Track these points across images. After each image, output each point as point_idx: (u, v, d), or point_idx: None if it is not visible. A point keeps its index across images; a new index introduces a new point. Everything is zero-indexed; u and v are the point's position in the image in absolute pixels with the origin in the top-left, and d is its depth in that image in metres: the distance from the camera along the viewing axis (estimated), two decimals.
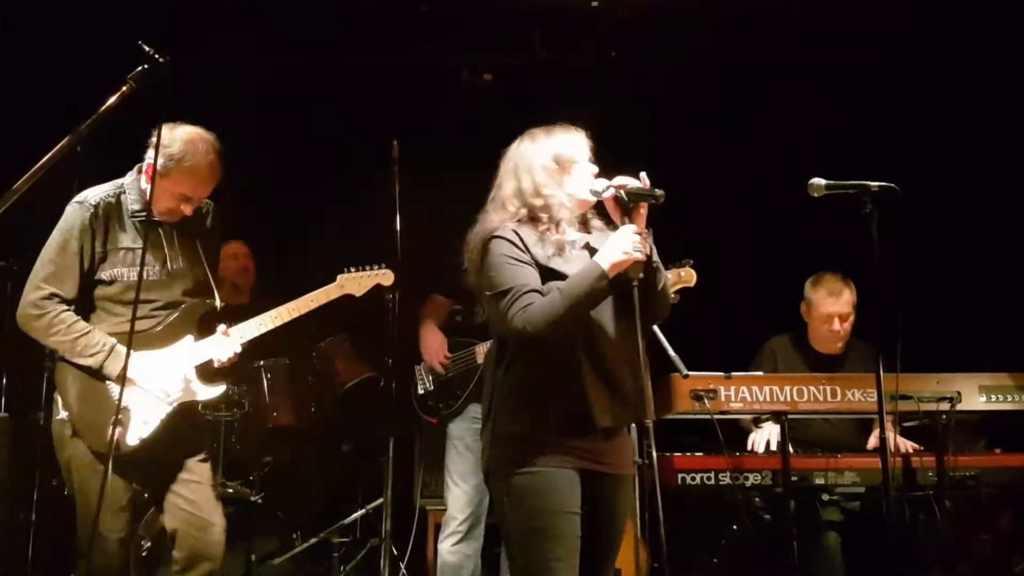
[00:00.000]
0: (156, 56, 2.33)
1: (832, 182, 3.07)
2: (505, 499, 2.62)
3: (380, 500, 4.34)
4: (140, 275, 2.86)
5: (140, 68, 2.32)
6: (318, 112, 5.33)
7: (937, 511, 3.72)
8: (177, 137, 3.09)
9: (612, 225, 2.71)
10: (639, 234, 2.57)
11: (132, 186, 3.18)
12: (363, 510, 4.62)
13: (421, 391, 4.03)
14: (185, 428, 3.21)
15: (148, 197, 3.08)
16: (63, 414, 3.12)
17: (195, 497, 3.17)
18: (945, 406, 3.75)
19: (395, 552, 4.31)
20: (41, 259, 3.12)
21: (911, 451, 3.95)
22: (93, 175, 3.31)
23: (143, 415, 3.11)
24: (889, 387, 3.08)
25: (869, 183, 3.03)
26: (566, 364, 2.59)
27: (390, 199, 4.60)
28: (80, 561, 3.11)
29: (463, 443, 3.88)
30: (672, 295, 3.45)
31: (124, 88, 2.29)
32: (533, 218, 2.67)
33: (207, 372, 3.22)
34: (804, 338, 4.33)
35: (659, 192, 2.60)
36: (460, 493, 3.85)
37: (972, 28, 4.82)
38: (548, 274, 2.61)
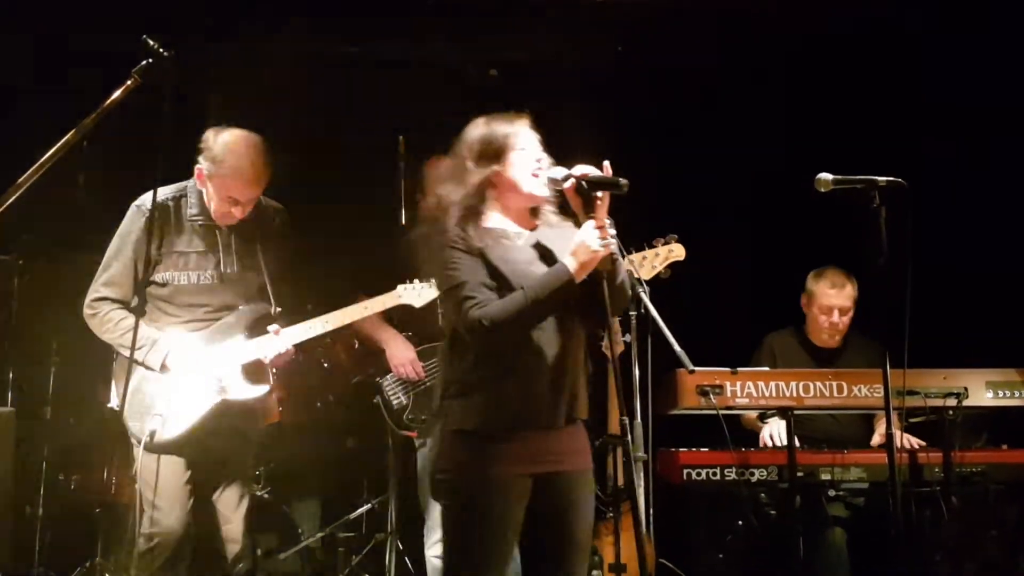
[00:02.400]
0: (161, 50, 2.32)
1: (839, 177, 3.07)
2: (451, 500, 2.55)
3: (385, 495, 4.34)
4: (149, 261, 2.89)
5: (145, 62, 2.32)
6: (323, 107, 5.33)
7: (943, 507, 3.71)
8: (220, 141, 3.15)
9: (571, 218, 2.62)
10: (600, 227, 2.47)
11: (193, 189, 3.24)
12: (368, 505, 4.62)
13: (396, 406, 3.85)
14: (236, 427, 3.26)
15: (205, 203, 3.19)
16: (113, 403, 3.24)
17: (230, 495, 3.25)
18: (952, 402, 3.74)
19: (400, 547, 4.31)
20: (103, 261, 3.22)
21: (915, 448, 3.94)
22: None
23: (184, 410, 3.16)
24: (896, 382, 3.07)
25: (877, 178, 3.02)
26: (516, 362, 2.51)
27: (395, 193, 4.61)
28: (130, 547, 3.17)
29: None
30: (664, 271, 3.46)
31: (129, 82, 2.29)
32: (475, 212, 2.58)
33: (253, 372, 3.24)
34: (803, 332, 4.33)
35: (623, 181, 2.49)
36: None
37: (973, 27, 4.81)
38: (493, 271, 2.52)
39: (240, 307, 3.25)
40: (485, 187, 2.57)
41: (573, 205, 2.59)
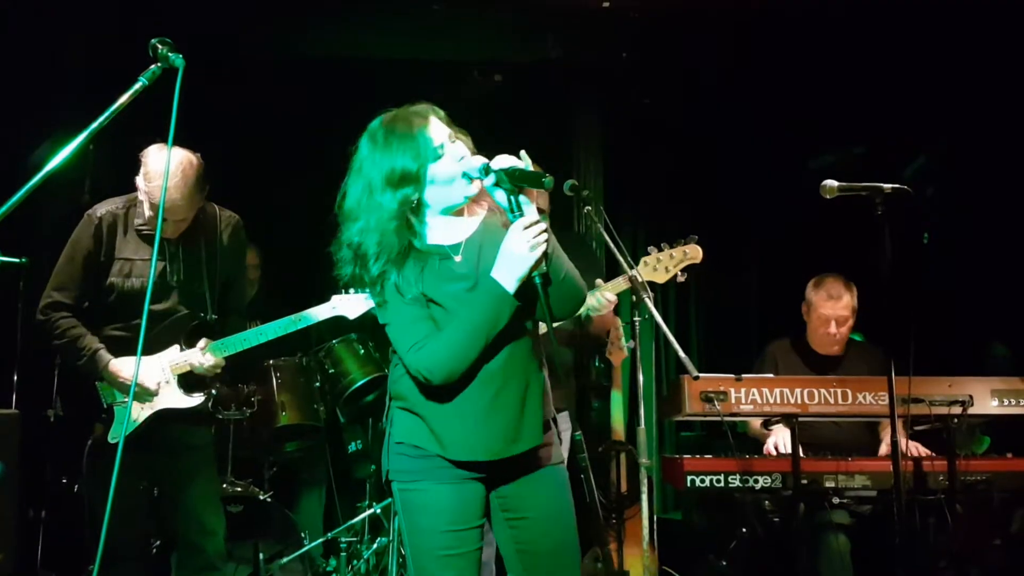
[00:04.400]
0: (169, 55, 2.32)
1: (845, 183, 3.07)
2: (401, 513, 2.39)
3: (388, 500, 4.34)
4: (150, 284, 2.89)
5: (153, 67, 2.32)
6: (325, 111, 5.33)
7: (948, 515, 3.71)
8: (154, 159, 3.17)
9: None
10: (529, 226, 2.20)
11: (143, 201, 3.28)
12: (371, 510, 4.62)
13: None
14: (187, 431, 3.32)
15: (149, 213, 3.23)
16: (58, 409, 3.41)
17: (198, 501, 3.29)
18: (957, 410, 3.73)
19: (403, 552, 4.30)
20: (55, 268, 3.29)
21: (922, 455, 3.93)
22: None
23: (125, 416, 3.23)
24: (901, 390, 3.06)
25: (882, 184, 3.03)
26: (461, 391, 2.29)
27: None
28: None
29: None
30: (680, 274, 3.43)
31: (137, 86, 2.29)
32: (406, 248, 2.29)
33: (189, 381, 3.31)
34: (803, 340, 4.33)
35: (547, 178, 2.21)
36: None
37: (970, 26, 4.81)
38: (432, 304, 2.30)
39: (177, 315, 3.30)
40: (407, 216, 2.27)
41: (497, 199, 2.31)
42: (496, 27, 5.17)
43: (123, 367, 3.23)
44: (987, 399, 3.79)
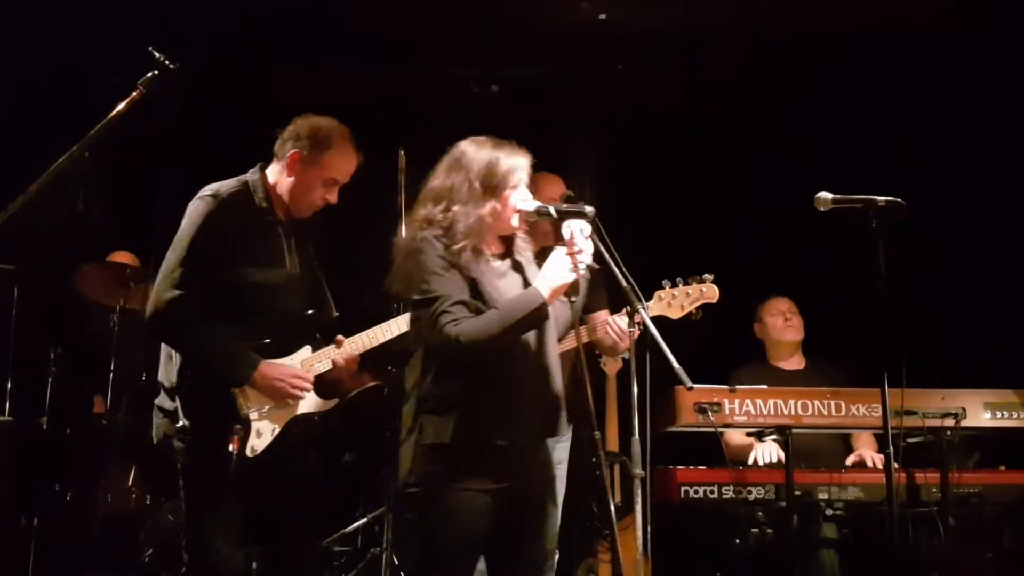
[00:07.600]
0: (166, 63, 2.33)
1: (839, 196, 3.09)
2: (432, 515, 2.61)
3: (381, 509, 4.33)
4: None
5: (150, 74, 2.33)
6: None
7: (940, 528, 3.71)
8: (321, 123, 3.05)
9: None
10: (571, 254, 2.59)
11: (258, 184, 3.04)
12: (364, 519, 4.61)
13: None
14: (295, 451, 3.05)
15: (284, 191, 3.06)
16: (183, 422, 2.91)
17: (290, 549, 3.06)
18: (950, 422, 3.75)
19: (396, 562, 4.29)
20: (170, 258, 2.94)
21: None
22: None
23: (260, 427, 2.95)
24: (894, 402, 3.07)
25: (876, 198, 3.04)
26: (493, 377, 2.61)
27: (395, 209, 4.61)
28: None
29: None
30: (695, 311, 3.39)
31: (134, 94, 2.30)
32: (480, 238, 2.66)
33: (323, 384, 3.09)
34: (765, 360, 4.41)
35: (589, 209, 2.60)
36: None
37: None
38: (478, 294, 2.62)
39: (307, 313, 3.08)
40: (486, 218, 2.65)
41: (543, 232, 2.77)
42: (493, 39, 5.19)
43: (278, 367, 2.94)
44: (980, 411, 3.81)
